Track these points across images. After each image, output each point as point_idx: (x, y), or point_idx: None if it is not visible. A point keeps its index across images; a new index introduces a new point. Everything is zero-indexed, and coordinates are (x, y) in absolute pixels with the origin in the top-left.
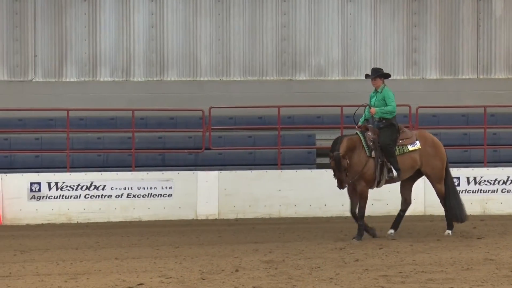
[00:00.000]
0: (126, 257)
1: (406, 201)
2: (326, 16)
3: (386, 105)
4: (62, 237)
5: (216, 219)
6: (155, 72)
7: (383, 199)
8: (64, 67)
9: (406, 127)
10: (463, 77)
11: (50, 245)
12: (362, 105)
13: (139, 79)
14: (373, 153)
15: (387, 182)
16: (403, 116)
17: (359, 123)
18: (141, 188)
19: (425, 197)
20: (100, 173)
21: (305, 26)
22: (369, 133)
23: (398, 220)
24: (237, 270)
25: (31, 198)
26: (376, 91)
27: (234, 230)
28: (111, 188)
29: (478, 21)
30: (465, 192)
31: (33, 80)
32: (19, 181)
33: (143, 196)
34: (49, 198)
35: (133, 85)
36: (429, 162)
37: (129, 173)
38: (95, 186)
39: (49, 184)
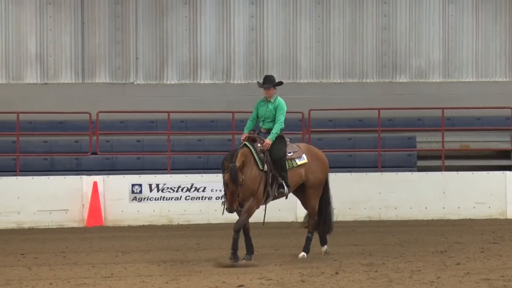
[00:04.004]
0: (226, 259)
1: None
2: (427, 18)
3: (275, 116)
4: (163, 238)
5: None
6: (255, 74)
7: (486, 202)
8: (165, 70)
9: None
10: None
11: (151, 246)
12: (250, 133)
13: (239, 82)
14: (265, 167)
15: (274, 198)
16: (475, 118)
17: (244, 133)
18: None
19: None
20: (200, 175)
21: (405, 27)
22: (258, 145)
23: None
24: (337, 273)
25: (132, 200)
26: (267, 100)
27: (334, 232)
28: (211, 190)
29: None
30: None
31: (135, 83)
32: (120, 183)
33: None
34: (150, 199)
35: (233, 88)
36: (312, 177)
37: None
38: (196, 188)
39: (150, 185)
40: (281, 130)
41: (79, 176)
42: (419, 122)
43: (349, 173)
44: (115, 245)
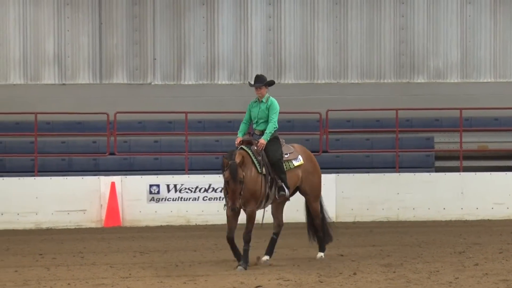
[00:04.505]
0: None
1: (279, 225)
2: (444, 18)
3: (268, 116)
4: (181, 239)
5: (333, 222)
6: (272, 74)
7: (504, 203)
8: (183, 70)
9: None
10: None
11: (169, 247)
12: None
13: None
14: (263, 170)
15: (273, 202)
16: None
17: (238, 137)
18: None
19: None
20: (218, 175)
21: (423, 28)
22: (254, 147)
23: (271, 244)
24: (355, 273)
25: (150, 200)
26: (259, 100)
27: (352, 233)
28: None
29: None
30: None
31: (152, 83)
32: (138, 183)
33: None
34: (168, 200)
35: (251, 88)
36: (309, 179)
37: None
38: (213, 188)
39: (168, 186)
40: (275, 130)
41: (97, 177)
42: (437, 122)
43: (367, 174)
44: (133, 245)
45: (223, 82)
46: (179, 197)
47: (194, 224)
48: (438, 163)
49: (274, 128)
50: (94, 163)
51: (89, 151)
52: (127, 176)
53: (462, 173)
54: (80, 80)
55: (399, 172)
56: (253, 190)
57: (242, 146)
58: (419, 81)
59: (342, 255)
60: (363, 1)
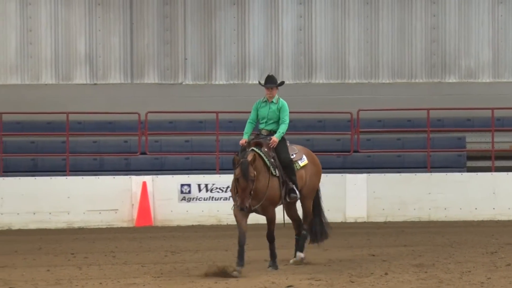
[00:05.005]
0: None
1: (298, 224)
2: (476, 18)
3: (279, 117)
4: (212, 238)
5: (364, 222)
6: (303, 74)
7: None
8: (213, 70)
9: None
10: None
11: (201, 247)
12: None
13: (287, 82)
14: (277, 172)
15: (280, 204)
16: None
17: (245, 138)
18: None
19: None
20: None
21: (454, 28)
22: (265, 149)
23: (301, 240)
24: (386, 274)
25: (181, 200)
26: (268, 101)
27: (383, 233)
28: None
29: None
30: None
31: (183, 83)
32: (169, 183)
33: None
34: (199, 199)
35: (281, 88)
36: (312, 180)
37: None
38: None
39: (199, 185)
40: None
41: (128, 176)
42: (469, 122)
43: (398, 174)
44: (164, 245)
45: (254, 82)
46: (210, 196)
47: (225, 223)
48: (469, 163)
49: (286, 127)
50: (126, 163)
51: (121, 151)
52: (158, 176)
53: (494, 173)
54: (111, 80)
55: (430, 172)
56: (272, 194)
57: (252, 148)
58: (450, 80)
59: (373, 255)
60: (394, 0)
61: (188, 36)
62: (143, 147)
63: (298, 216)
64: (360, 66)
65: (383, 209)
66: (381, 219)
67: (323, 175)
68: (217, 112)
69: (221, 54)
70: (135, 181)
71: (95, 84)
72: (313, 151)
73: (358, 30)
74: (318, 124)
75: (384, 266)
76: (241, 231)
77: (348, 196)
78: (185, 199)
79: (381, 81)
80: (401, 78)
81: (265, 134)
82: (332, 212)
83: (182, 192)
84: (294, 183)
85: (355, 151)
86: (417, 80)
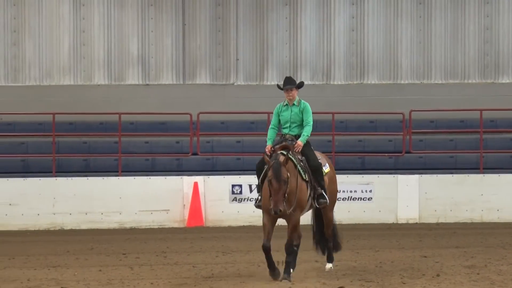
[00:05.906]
0: (325, 260)
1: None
2: None
3: (302, 119)
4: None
5: (416, 223)
6: (355, 75)
7: None
8: (265, 71)
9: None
10: None
11: (252, 247)
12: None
13: (339, 82)
14: (306, 176)
15: (307, 210)
16: None
17: (268, 144)
18: (341, 191)
19: None
20: None
21: (508, 28)
22: (293, 153)
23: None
24: (438, 275)
25: (232, 200)
26: (289, 104)
27: (435, 234)
28: None
29: None
30: None
31: (235, 84)
32: (221, 183)
33: (342, 199)
34: (250, 200)
35: (333, 88)
36: (332, 187)
37: None
38: None
39: (250, 186)
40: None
41: (180, 177)
42: None
43: (451, 175)
44: (215, 245)
45: (306, 83)
46: None
47: (276, 224)
48: None
49: (311, 130)
50: (177, 163)
51: (172, 151)
52: (210, 176)
53: None
54: (163, 81)
55: (483, 173)
56: (300, 198)
57: (282, 151)
58: (504, 81)
59: (425, 257)
60: (447, 1)
61: (240, 37)
62: (194, 147)
63: (322, 225)
64: (412, 66)
65: (435, 210)
66: (433, 220)
67: (374, 176)
68: (268, 113)
69: (273, 55)
70: (186, 182)
71: (147, 84)
72: (365, 152)
73: (410, 30)
74: (370, 125)
75: (436, 267)
76: (266, 236)
77: (400, 197)
78: (236, 200)
79: (434, 82)
80: (454, 79)
81: (290, 139)
82: (383, 213)
83: (233, 192)
84: (323, 188)
85: (407, 152)
86: (470, 81)
